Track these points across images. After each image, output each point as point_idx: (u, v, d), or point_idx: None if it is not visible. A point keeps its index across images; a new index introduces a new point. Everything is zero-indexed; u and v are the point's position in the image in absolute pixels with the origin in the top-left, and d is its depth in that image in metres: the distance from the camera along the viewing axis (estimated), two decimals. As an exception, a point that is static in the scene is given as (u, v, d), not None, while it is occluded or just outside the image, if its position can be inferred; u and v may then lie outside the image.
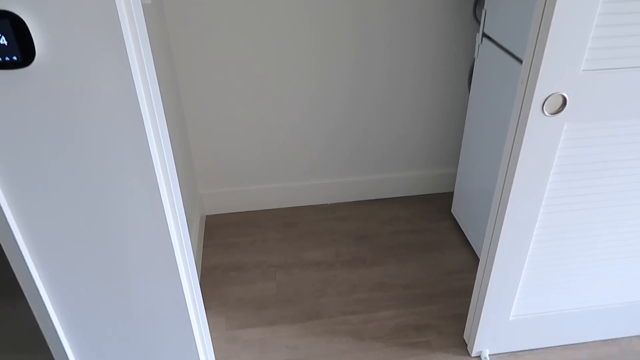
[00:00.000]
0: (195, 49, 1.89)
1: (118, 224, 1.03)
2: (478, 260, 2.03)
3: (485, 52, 1.79)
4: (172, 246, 1.08)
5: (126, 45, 0.86)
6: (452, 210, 2.27)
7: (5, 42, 0.81)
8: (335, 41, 1.95)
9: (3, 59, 0.82)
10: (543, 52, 1.07)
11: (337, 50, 1.97)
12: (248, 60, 1.94)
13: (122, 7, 0.84)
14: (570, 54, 1.08)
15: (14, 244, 1.02)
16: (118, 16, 0.83)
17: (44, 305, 1.11)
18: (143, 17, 0.93)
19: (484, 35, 1.79)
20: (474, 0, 1.93)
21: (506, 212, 1.30)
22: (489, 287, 1.45)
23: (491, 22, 1.73)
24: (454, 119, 2.23)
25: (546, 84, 1.11)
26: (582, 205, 1.33)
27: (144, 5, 1.36)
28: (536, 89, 1.11)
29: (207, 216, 2.29)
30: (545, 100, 1.12)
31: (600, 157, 1.25)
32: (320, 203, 2.35)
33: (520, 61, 1.55)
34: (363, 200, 2.38)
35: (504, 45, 1.65)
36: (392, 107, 2.15)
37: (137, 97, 0.91)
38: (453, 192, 2.43)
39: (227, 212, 2.30)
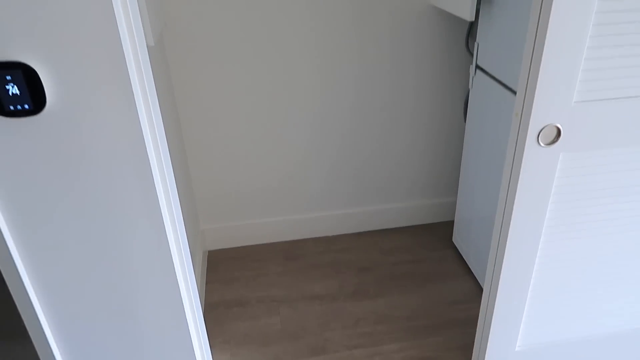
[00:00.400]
0: (196, 86, 1.93)
1: (124, 263, 1.04)
2: (481, 289, 2.03)
3: (479, 83, 1.84)
4: (178, 285, 1.09)
5: (133, 90, 0.89)
6: (453, 239, 2.27)
7: (18, 92, 0.84)
8: (335, 75, 2.00)
9: (15, 107, 0.85)
10: (535, 85, 1.10)
11: (336, 83, 2.02)
12: (248, 95, 1.98)
13: (129, 53, 0.87)
14: (562, 86, 1.11)
15: (21, 286, 1.02)
16: (125, 62, 0.86)
17: (48, 345, 1.11)
18: (149, 61, 0.96)
19: (477, 67, 1.84)
20: (467, 32, 1.99)
21: (507, 242, 1.31)
22: (493, 317, 1.45)
23: (484, 54, 1.78)
24: (451, 148, 2.27)
25: (540, 115, 1.14)
26: (583, 233, 1.34)
27: (147, 47, 1.40)
28: (530, 120, 1.14)
29: (209, 251, 2.29)
30: (540, 131, 1.15)
31: (597, 184, 1.27)
32: (322, 235, 2.36)
33: (514, 92, 1.60)
34: (364, 232, 2.39)
35: (497, 76, 1.70)
36: (390, 137, 2.19)
37: (144, 141, 0.93)
38: (453, 221, 2.45)
39: (228, 247, 2.30)
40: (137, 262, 1.05)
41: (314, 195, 2.26)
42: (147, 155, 0.94)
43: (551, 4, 1.01)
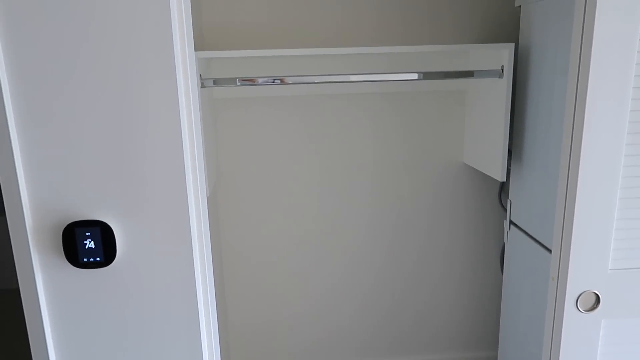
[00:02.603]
0: (240, 233, 2.05)
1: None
2: None
3: (513, 238, 1.88)
4: None
5: (192, 244, 0.98)
6: (495, 399, 2.13)
7: (93, 246, 0.94)
8: (372, 219, 2.10)
9: (88, 259, 0.95)
10: (569, 252, 1.14)
11: (372, 227, 2.11)
12: (287, 244, 2.08)
13: (192, 208, 0.97)
14: (596, 253, 1.15)
15: None
16: (189, 219, 0.97)
17: None
18: (207, 214, 1.07)
19: (511, 222, 1.90)
20: (499, 189, 2.09)
21: (554, 412, 1.24)
22: None
23: (517, 211, 1.85)
24: (486, 299, 2.24)
25: (577, 281, 1.16)
26: (635, 407, 1.26)
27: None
28: (567, 286, 1.16)
29: (236, 397, 2.21)
30: (578, 297, 1.16)
31: (644, 354, 1.23)
32: (354, 386, 2.26)
33: (549, 250, 1.62)
34: (399, 384, 2.27)
35: (531, 233, 1.74)
36: (424, 286, 2.19)
37: (196, 291, 1.00)
38: (494, 378, 2.31)
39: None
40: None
41: (343, 343, 2.21)
42: (197, 305, 1.01)
43: (577, 179, 1.10)
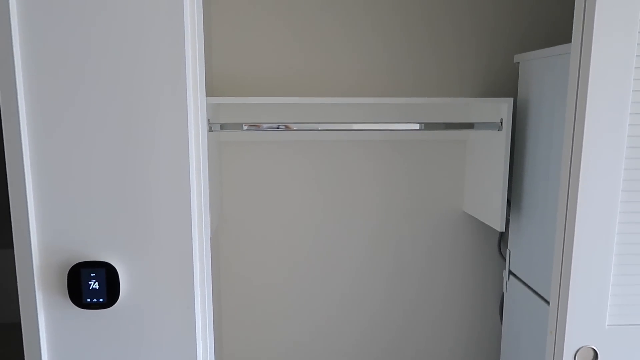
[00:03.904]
0: (240, 272, 2.06)
1: None
2: None
3: (512, 288, 1.88)
4: None
5: (194, 289, 1.00)
6: None
7: (97, 287, 0.96)
8: (369, 263, 2.10)
9: (91, 300, 0.96)
10: (567, 306, 1.15)
11: (370, 272, 2.11)
12: (286, 287, 2.08)
13: (196, 252, 1.00)
14: (594, 309, 1.16)
15: None
16: (192, 262, 0.99)
17: None
18: (210, 257, 1.08)
19: (511, 272, 1.91)
20: (498, 238, 2.11)
21: None
22: None
23: (516, 261, 1.86)
24: (484, 348, 2.21)
25: (575, 336, 1.16)
26: None
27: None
28: (565, 341, 1.16)
29: None
30: (576, 352, 1.16)
31: (644, 413, 1.21)
32: None
33: (547, 302, 1.63)
34: None
35: (529, 284, 1.75)
36: (420, 332, 2.17)
37: (195, 333, 1.01)
38: None
39: None
40: None
41: (344, 390, 2.18)
42: (196, 348, 1.01)
43: (573, 238, 1.12)
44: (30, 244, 0.95)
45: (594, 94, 1.10)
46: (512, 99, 1.72)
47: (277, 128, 1.70)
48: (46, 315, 0.98)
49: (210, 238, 1.54)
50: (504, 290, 1.96)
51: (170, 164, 0.97)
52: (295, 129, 1.71)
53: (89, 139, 0.94)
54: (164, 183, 0.97)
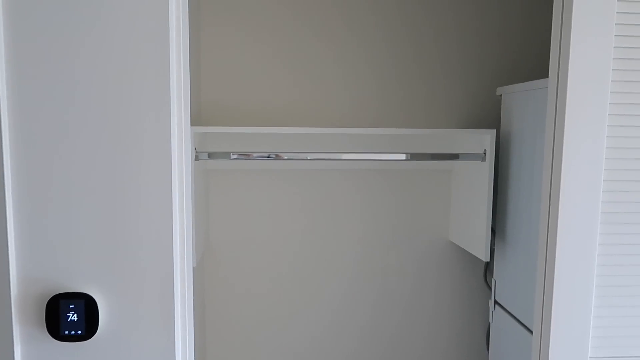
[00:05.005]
0: (225, 312, 2.04)
1: None
2: None
3: (498, 318, 1.88)
4: None
5: (175, 319, 0.99)
6: None
7: (76, 319, 0.95)
8: (354, 288, 2.09)
9: (69, 332, 0.95)
10: (549, 339, 1.15)
11: (354, 298, 2.09)
12: (271, 308, 2.07)
13: (177, 282, 0.99)
14: (576, 341, 1.16)
15: None
16: (174, 292, 0.98)
17: None
18: (192, 283, 1.07)
19: (496, 302, 1.91)
20: (484, 268, 2.11)
21: None
22: None
23: (501, 291, 1.86)
24: (475, 381, 2.19)
25: (557, 370, 1.16)
26: None
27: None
28: (548, 375, 1.16)
29: None
30: (559, 386, 1.16)
31: None
32: None
33: (532, 332, 1.62)
34: None
35: (515, 314, 1.75)
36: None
37: (175, 369, 1.00)
38: None
39: None
40: None
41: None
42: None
43: (554, 270, 1.13)
44: (8, 275, 0.94)
45: (570, 128, 1.13)
46: (494, 131, 1.75)
47: (268, 157, 1.71)
48: (22, 349, 0.96)
49: (196, 266, 1.54)
50: (490, 320, 1.96)
51: (152, 192, 0.97)
52: (285, 158, 1.72)
53: (70, 167, 0.94)
54: (145, 212, 0.97)
